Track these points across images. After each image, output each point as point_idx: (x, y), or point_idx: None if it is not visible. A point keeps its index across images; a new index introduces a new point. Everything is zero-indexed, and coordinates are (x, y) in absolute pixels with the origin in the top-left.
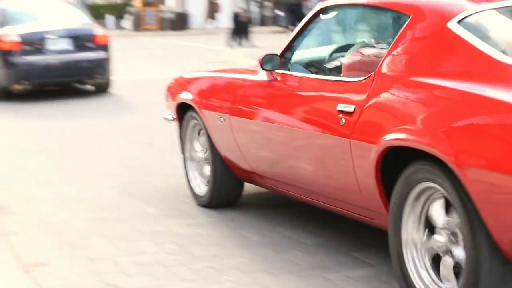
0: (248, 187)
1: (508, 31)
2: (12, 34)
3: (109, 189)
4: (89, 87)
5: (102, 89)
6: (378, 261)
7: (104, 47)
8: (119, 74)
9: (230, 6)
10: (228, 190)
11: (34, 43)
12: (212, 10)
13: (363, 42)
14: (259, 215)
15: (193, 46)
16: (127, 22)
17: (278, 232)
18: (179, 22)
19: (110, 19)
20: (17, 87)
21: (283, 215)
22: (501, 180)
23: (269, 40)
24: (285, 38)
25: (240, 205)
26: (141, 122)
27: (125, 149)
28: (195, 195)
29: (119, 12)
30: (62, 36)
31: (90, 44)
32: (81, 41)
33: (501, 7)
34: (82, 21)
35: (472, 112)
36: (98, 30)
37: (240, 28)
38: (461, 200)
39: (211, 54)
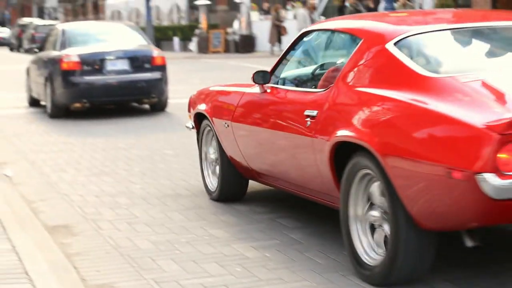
0: (306, 207)
1: (431, 50)
2: (72, 54)
3: (175, 211)
4: (146, 106)
5: (159, 108)
6: None
7: (160, 68)
8: (182, 97)
9: (295, 29)
10: (234, 186)
11: (93, 64)
12: (279, 33)
13: (331, 61)
14: (325, 238)
15: (259, 69)
16: (194, 44)
17: (344, 256)
18: (246, 45)
19: (176, 41)
20: (76, 105)
21: None
22: (409, 164)
23: None
24: None
25: (306, 227)
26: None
27: (187, 169)
28: (208, 191)
29: (185, 34)
30: (120, 57)
31: (146, 65)
32: (138, 62)
33: (429, 31)
34: (139, 42)
35: (393, 114)
36: (154, 52)
37: None
38: (385, 182)
39: None
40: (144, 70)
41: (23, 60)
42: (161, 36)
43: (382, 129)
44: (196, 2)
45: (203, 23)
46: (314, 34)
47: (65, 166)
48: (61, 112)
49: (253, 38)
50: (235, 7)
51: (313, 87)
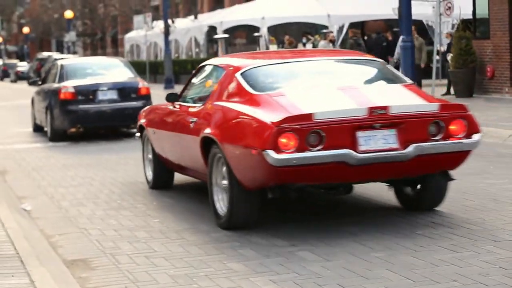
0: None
1: (261, 77)
2: (69, 86)
3: (193, 245)
4: (133, 130)
5: None
6: None
7: (145, 97)
8: None
9: None
10: (163, 176)
11: (87, 94)
12: None
13: (210, 86)
14: (344, 271)
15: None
16: None
17: None
18: None
19: None
20: (72, 130)
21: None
22: (234, 147)
23: None
24: None
25: (325, 261)
26: None
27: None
28: (147, 180)
29: None
30: (110, 88)
31: (133, 95)
32: (125, 92)
33: (261, 65)
34: (128, 75)
35: (228, 117)
36: (140, 83)
37: None
38: (225, 160)
39: None
40: (131, 99)
41: None
42: (180, 69)
43: (222, 127)
44: (215, 36)
45: (221, 54)
46: (205, 67)
47: (84, 201)
48: (59, 136)
49: None
50: (254, 41)
51: (197, 103)
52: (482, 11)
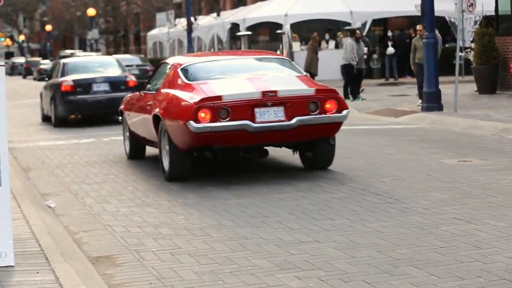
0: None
1: (196, 71)
2: (68, 80)
3: (218, 242)
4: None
5: None
6: None
7: (132, 89)
8: None
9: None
10: (136, 149)
11: (84, 86)
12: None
13: (163, 77)
14: (369, 267)
15: None
16: None
17: (388, 285)
18: None
19: None
20: (72, 117)
21: None
22: (170, 121)
23: (376, 93)
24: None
25: (350, 257)
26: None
27: (230, 199)
28: (125, 151)
29: None
30: (103, 82)
31: (122, 87)
32: (116, 84)
33: (197, 62)
34: (118, 71)
35: (169, 99)
36: (128, 77)
37: (353, 80)
38: (166, 130)
39: None
40: (121, 90)
41: None
42: None
43: (165, 107)
44: (238, 33)
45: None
46: (162, 64)
47: (108, 197)
48: (61, 122)
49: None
50: (277, 38)
51: (153, 91)
52: (505, 7)
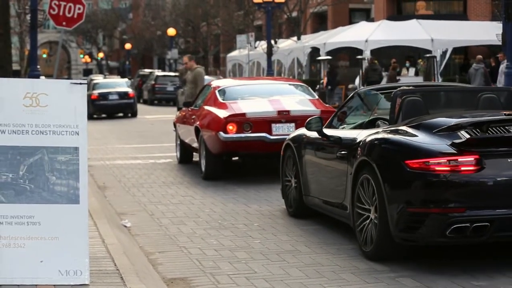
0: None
1: (230, 92)
2: (95, 93)
3: (294, 267)
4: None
5: (132, 116)
6: None
7: (133, 98)
8: None
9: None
10: (186, 156)
11: (104, 96)
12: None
13: (206, 96)
14: None
15: None
16: None
17: None
18: None
19: None
20: (96, 115)
21: None
22: (206, 131)
23: None
24: None
25: (426, 287)
26: None
27: (308, 225)
28: (177, 159)
29: None
30: (115, 93)
31: (126, 97)
32: (122, 95)
33: (232, 86)
34: (125, 87)
35: (207, 114)
36: (129, 91)
37: None
38: (203, 139)
39: None
40: (125, 99)
41: (142, 110)
42: None
43: (203, 120)
44: (318, 58)
45: (323, 79)
46: (205, 86)
47: (184, 219)
48: (91, 118)
49: None
50: (357, 63)
51: (197, 107)
52: None
